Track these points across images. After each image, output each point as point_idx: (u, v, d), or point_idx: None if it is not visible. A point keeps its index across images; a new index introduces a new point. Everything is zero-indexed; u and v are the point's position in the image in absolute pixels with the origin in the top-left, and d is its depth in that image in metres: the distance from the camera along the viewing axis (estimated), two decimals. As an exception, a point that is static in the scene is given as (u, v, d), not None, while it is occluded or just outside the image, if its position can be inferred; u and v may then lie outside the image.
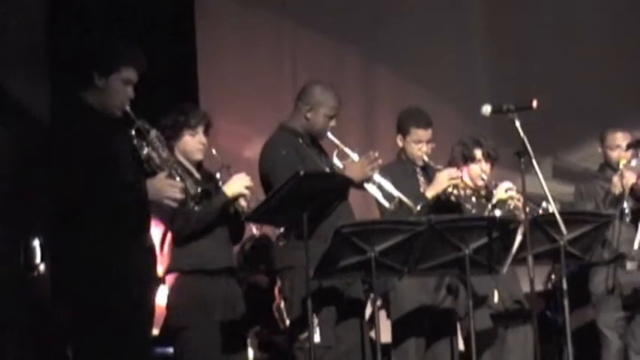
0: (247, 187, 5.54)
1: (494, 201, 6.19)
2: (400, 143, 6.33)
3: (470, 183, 6.39)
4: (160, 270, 5.61)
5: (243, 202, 5.58)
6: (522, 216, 5.76)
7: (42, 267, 6.79)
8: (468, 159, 6.45)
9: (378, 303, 5.96)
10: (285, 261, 5.74)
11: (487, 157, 6.44)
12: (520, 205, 5.94)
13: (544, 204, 5.93)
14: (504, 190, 6.15)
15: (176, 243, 5.60)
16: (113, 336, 4.65)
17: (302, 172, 5.33)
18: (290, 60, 8.50)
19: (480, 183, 6.40)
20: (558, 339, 6.73)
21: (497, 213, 6.05)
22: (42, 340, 6.64)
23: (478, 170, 6.42)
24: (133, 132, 4.84)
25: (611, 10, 8.72)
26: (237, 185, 5.55)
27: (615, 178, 6.56)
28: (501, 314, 6.30)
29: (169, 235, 5.62)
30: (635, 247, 6.29)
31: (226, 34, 8.46)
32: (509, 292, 6.32)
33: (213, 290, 5.69)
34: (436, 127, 6.31)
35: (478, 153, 6.44)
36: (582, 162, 7.68)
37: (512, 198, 6.09)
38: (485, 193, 6.36)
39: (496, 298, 6.30)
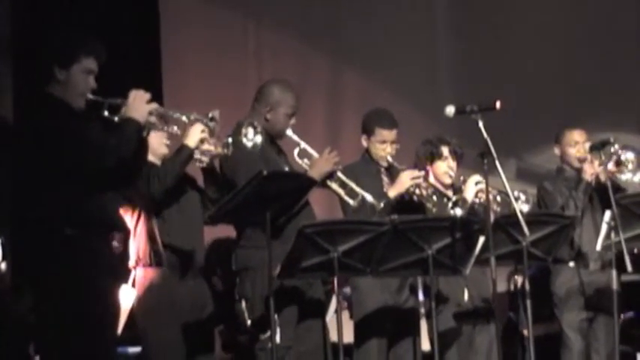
0: (204, 131, 5.47)
1: (467, 196, 6.18)
2: (365, 143, 6.33)
3: (435, 183, 6.40)
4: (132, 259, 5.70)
5: (207, 146, 5.57)
6: (495, 208, 5.89)
7: (3, 265, 6.76)
8: (435, 157, 6.46)
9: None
10: (246, 261, 5.73)
11: (453, 154, 6.46)
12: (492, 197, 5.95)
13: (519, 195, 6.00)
14: (474, 182, 6.15)
15: (154, 213, 5.64)
16: (77, 333, 4.62)
17: (265, 172, 5.32)
18: (255, 60, 8.49)
19: (448, 180, 6.42)
20: (521, 339, 6.76)
21: (459, 212, 6.05)
22: (3, 337, 6.62)
23: (445, 167, 6.43)
24: (106, 113, 4.84)
25: (573, 11, 8.78)
26: (195, 132, 5.49)
27: (586, 165, 6.59)
28: (470, 313, 6.31)
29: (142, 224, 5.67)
30: (598, 247, 6.30)
31: (191, 32, 8.43)
32: (478, 291, 6.33)
33: (182, 290, 5.73)
34: (401, 129, 6.32)
35: (444, 150, 6.46)
36: (545, 163, 7.71)
37: (482, 191, 6.07)
38: (453, 190, 6.38)
39: (466, 297, 6.31)
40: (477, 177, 6.19)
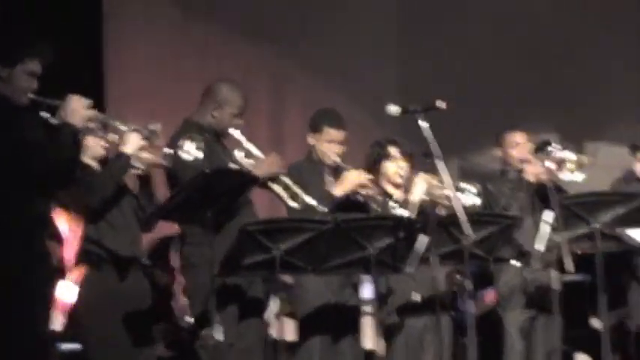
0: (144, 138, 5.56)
1: (413, 196, 6.23)
2: (312, 142, 6.32)
3: (386, 183, 6.45)
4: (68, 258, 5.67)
5: (145, 155, 5.63)
6: (445, 203, 5.95)
7: None
8: (384, 157, 6.50)
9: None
10: (188, 258, 5.76)
11: (403, 154, 6.50)
12: (443, 193, 6.02)
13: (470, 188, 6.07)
14: (421, 183, 6.19)
15: (91, 220, 5.66)
16: (5, 330, 4.61)
17: (208, 170, 5.38)
18: (200, 59, 8.51)
19: (399, 180, 6.45)
20: (464, 338, 6.82)
21: (403, 212, 6.10)
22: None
23: (395, 168, 6.47)
24: (45, 113, 4.87)
25: (516, 15, 8.94)
26: (133, 140, 5.56)
27: (527, 166, 6.66)
28: (416, 308, 6.35)
29: (78, 226, 5.65)
30: (537, 247, 6.37)
31: (134, 30, 8.46)
32: (426, 290, 6.38)
33: (121, 285, 5.73)
34: (347, 129, 6.33)
35: (393, 151, 6.50)
36: (489, 163, 7.81)
37: (432, 187, 6.13)
38: (404, 190, 6.41)
39: (417, 297, 6.35)
40: (423, 177, 6.25)
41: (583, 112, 9.03)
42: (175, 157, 5.63)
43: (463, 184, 6.26)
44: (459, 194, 6.09)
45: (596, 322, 7.00)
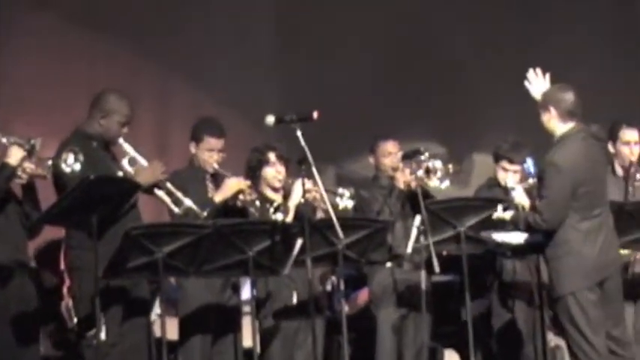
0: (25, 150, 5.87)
1: (291, 201, 6.50)
2: (193, 150, 6.58)
3: (265, 188, 6.70)
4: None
5: (28, 165, 5.91)
6: (322, 206, 6.20)
7: None
8: (264, 162, 6.75)
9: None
10: (74, 262, 5.96)
11: (280, 159, 6.75)
12: (319, 196, 6.26)
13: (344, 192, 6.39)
14: (299, 188, 6.40)
15: None
16: None
17: (92, 176, 5.62)
18: (88, 70, 8.58)
19: (278, 184, 6.71)
20: (337, 337, 7.10)
21: (280, 216, 6.38)
22: None
23: (274, 172, 6.72)
24: None
25: (389, 28, 9.22)
26: (16, 152, 5.87)
27: (398, 174, 6.99)
28: (293, 310, 6.58)
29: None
30: (408, 250, 6.71)
31: (21, 39, 8.44)
32: (306, 292, 6.63)
33: (6, 287, 5.94)
34: (227, 138, 6.58)
35: (272, 156, 6.74)
36: (362, 170, 8.12)
37: (309, 191, 6.33)
38: (284, 194, 6.67)
39: (295, 299, 6.61)
40: (301, 182, 6.53)
41: (458, 123, 9.29)
42: (58, 168, 5.86)
43: (338, 189, 6.59)
44: (336, 198, 6.44)
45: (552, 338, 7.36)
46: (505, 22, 9.48)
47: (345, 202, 6.52)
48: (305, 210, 6.21)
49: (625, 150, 7.02)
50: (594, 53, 9.38)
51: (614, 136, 7.04)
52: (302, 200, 6.38)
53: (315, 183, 6.12)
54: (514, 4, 9.59)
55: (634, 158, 7.01)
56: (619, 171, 7.06)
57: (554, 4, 9.55)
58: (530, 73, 6.26)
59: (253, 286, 6.22)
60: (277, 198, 6.70)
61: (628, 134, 7.04)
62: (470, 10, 9.38)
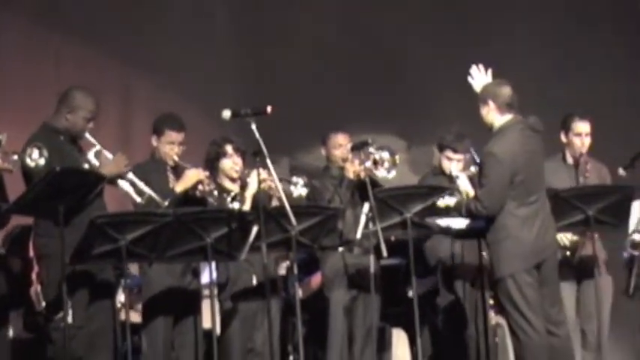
0: None
1: (248, 191, 6.81)
2: (154, 143, 6.85)
3: (223, 179, 6.99)
4: None
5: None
6: (277, 194, 6.45)
7: None
8: (221, 155, 7.03)
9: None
10: (42, 249, 6.26)
11: (237, 150, 7.02)
12: (274, 186, 6.53)
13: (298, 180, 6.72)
14: (255, 176, 6.58)
15: None
16: None
17: (58, 168, 5.91)
18: (54, 68, 8.79)
19: (235, 175, 6.98)
20: (292, 318, 7.40)
21: (237, 205, 6.70)
22: None
23: (231, 164, 7.00)
24: None
25: (343, 27, 9.50)
26: None
27: (348, 165, 7.30)
28: (250, 292, 6.87)
29: None
30: (358, 235, 7.02)
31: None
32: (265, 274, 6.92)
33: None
34: (187, 132, 6.86)
35: (229, 148, 7.02)
36: (315, 161, 8.38)
37: (264, 181, 6.58)
38: (241, 184, 6.94)
39: (254, 281, 6.89)
40: (256, 173, 6.83)
41: (411, 116, 9.48)
42: (24, 163, 6.13)
43: (292, 178, 6.92)
44: (290, 187, 6.76)
45: None
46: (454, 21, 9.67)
47: (300, 189, 6.86)
48: (261, 198, 6.47)
49: (577, 141, 7.27)
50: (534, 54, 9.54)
51: (566, 127, 7.30)
52: (258, 190, 6.61)
53: (269, 173, 6.43)
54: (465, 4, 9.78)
55: (584, 150, 7.27)
56: (569, 160, 7.32)
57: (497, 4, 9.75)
58: (474, 69, 6.57)
59: (215, 269, 6.52)
60: (234, 188, 6.97)
61: (580, 126, 7.29)
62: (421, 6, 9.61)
